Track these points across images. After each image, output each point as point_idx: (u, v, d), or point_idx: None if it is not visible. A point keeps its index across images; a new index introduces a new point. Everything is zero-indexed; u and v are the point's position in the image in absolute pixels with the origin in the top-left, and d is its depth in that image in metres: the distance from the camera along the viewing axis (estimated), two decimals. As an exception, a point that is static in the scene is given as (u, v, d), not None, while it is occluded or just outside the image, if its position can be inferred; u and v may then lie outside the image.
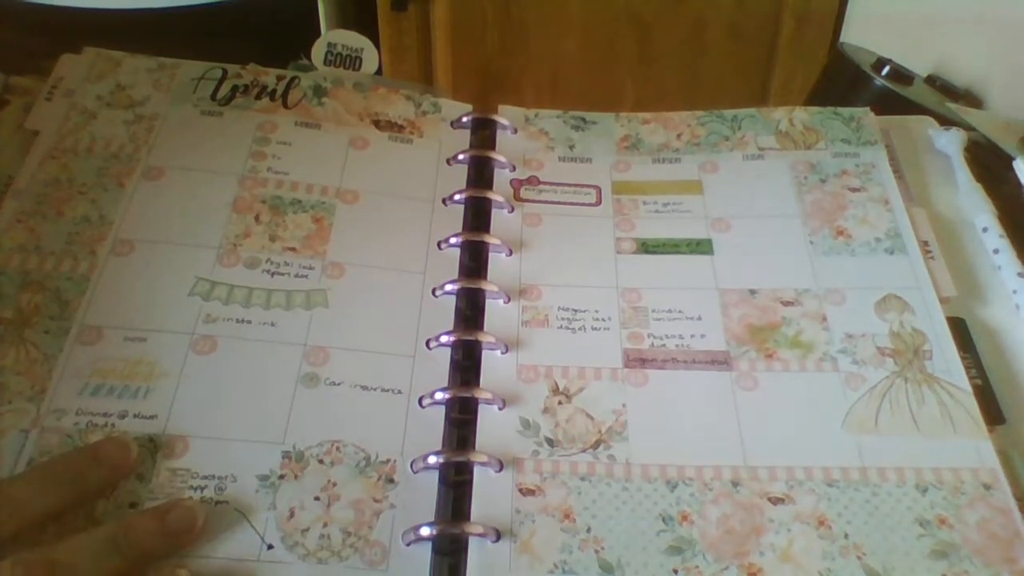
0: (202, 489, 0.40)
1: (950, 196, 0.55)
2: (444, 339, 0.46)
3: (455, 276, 0.49)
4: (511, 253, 0.51)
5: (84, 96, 0.53)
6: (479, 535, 0.40)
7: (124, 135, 0.52)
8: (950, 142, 0.57)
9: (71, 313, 0.44)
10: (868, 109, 0.58)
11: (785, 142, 0.56)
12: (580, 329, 0.47)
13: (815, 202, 0.53)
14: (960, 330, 0.47)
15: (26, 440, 0.40)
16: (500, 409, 0.44)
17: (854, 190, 0.53)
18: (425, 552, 0.39)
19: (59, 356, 0.43)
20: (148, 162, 0.51)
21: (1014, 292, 0.49)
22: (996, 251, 0.51)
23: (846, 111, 0.58)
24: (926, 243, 0.51)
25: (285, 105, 0.55)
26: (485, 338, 0.46)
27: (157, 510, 0.38)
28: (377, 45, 0.59)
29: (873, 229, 0.51)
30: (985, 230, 0.52)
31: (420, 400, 0.44)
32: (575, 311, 0.48)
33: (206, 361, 0.44)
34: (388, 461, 0.42)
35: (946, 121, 0.61)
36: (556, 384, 0.45)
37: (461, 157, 0.55)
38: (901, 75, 0.76)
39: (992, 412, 0.44)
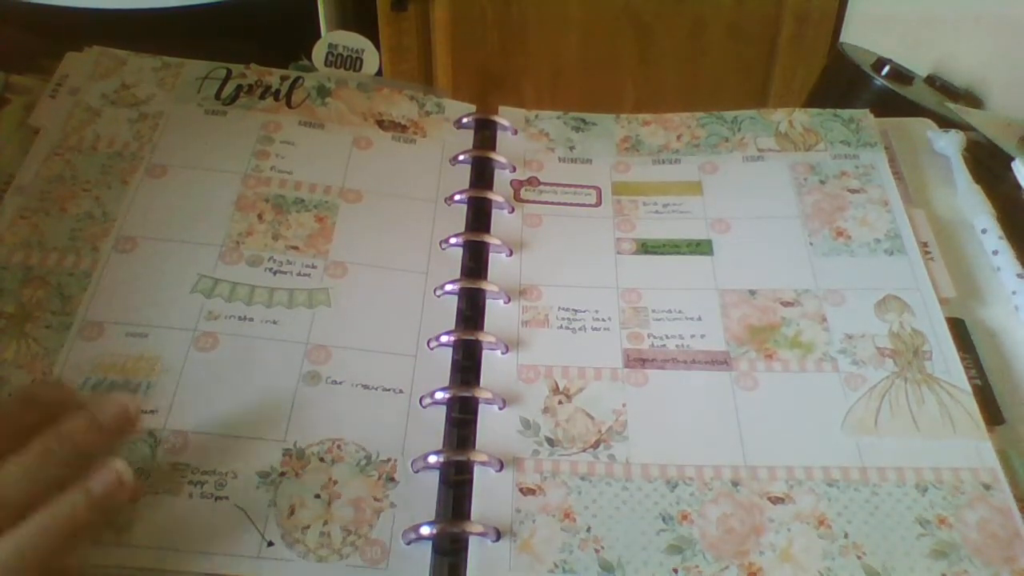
0: (202, 485, 0.40)
1: (949, 197, 0.55)
2: (445, 339, 0.46)
3: (456, 276, 0.49)
4: (511, 253, 0.51)
5: (88, 94, 0.53)
6: (479, 534, 0.40)
7: (128, 133, 0.52)
8: (949, 144, 0.57)
9: (73, 308, 0.44)
10: (867, 111, 0.58)
11: (785, 143, 0.56)
12: (580, 329, 0.48)
13: (815, 203, 0.53)
14: (960, 331, 0.48)
15: (28, 436, 0.40)
16: (500, 409, 0.44)
17: (854, 191, 0.53)
18: (425, 551, 0.39)
19: (60, 351, 0.43)
20: (152, 160, 0.51)
21: (1013, 293, 0.49)
22: (995, 252, 0.51)
23: (845, 113, 0.58)
24: (925, 244, 0.51)
25: (289, 105, 0.55)
26: (485, 338, 0.46)
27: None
28: (377, 45, 0.59)
29: (873, 230, 0.52)
30: (984, 231, 0.52)
31: (421, 399, 0.44)
32: (575, 311, 0.48)
33: (207, 358, 0.44)
34: (389, 460, 0.42)
35: (946, 121, 0.61)
36: (556, 384, 0.45)
37: (462, 158, 0.55)
38: (901, 75, 0.76)
39: (992, 412, 0.44)
